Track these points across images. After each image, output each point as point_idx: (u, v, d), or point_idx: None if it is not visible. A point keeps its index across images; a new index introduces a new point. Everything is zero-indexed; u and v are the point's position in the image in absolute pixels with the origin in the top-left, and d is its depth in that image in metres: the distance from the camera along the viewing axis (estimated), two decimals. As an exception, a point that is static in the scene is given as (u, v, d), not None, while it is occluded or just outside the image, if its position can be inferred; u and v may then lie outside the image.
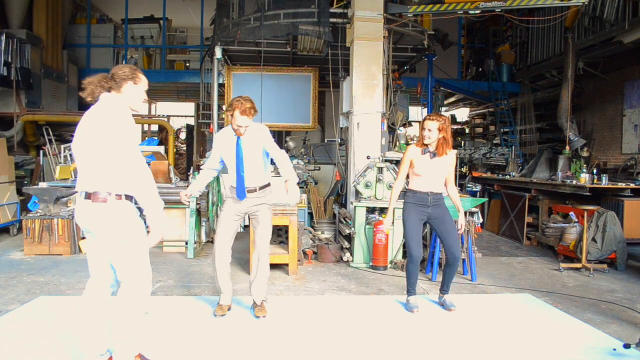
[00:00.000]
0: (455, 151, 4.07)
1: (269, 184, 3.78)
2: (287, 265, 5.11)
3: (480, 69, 12.38)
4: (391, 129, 7.03)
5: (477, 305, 4.12)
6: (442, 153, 3.82)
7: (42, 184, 6.40)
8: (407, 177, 4.01)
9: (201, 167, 3.85)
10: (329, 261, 5.64)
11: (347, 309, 3.98)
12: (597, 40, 8.29)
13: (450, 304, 3.97)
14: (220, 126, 7.58)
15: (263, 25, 6.40)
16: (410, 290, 4.00)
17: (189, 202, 3.65)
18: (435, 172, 3.87)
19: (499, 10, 6.06)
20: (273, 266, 5.16)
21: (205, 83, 9.37)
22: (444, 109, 13.31)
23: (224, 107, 3.72)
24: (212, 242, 6.42)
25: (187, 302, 4.09)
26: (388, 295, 4.44)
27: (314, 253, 5.76)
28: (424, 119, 3.92)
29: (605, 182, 6.21)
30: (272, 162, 3.83)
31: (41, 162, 8.05)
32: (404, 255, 5.54)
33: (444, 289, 4.08)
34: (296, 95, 8.90)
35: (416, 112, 12.25)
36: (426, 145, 3.86)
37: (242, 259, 5.40)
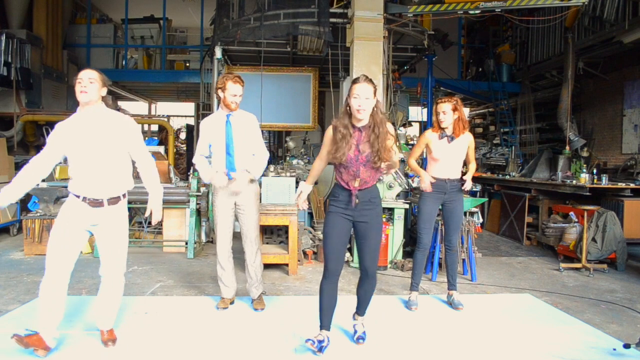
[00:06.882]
0: (470, 134, 4.00)
1: None
2: (287, 265, 5.11)
3: (480, 69, 12.35)
4: (391, 129, 7.01)
5: (477, 305, 4.12)
6: (459, 134, 3.87)
7: (42, 184, 6.38)
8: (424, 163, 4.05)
9: (193, 160, 3.89)
10: (329, 261, 5.63)
11: (347, 309, 3.97)
12: (597, 40, 8.29)
13: (458, 303, 3.98)
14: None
15: (263, 25, 6.40)
16: (414, 284, 4.02)
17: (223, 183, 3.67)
18: (453, 156, 3.89)
19: (499, 10, 6.06)
20: (273, 266, 5.18)
21: (205, 83, 9.36)
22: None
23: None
24: (212, 242, 6.43)
25: (187, 302, 4.09)
26: (388, 295, 4.44)
27: (314, 253, 5.76)
28: (436, 104, 3.93)
29: (605, 182, 6.21)
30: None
31: (41, 162, 8.03)
32: (404, 255, 5.55)
33: (450, 283, 4.11)
34: (296, 95, 8.89)
35: (416, 112, 12.23)
36: (443, 129, 3.87)
37: (241, 259, 5.38)
